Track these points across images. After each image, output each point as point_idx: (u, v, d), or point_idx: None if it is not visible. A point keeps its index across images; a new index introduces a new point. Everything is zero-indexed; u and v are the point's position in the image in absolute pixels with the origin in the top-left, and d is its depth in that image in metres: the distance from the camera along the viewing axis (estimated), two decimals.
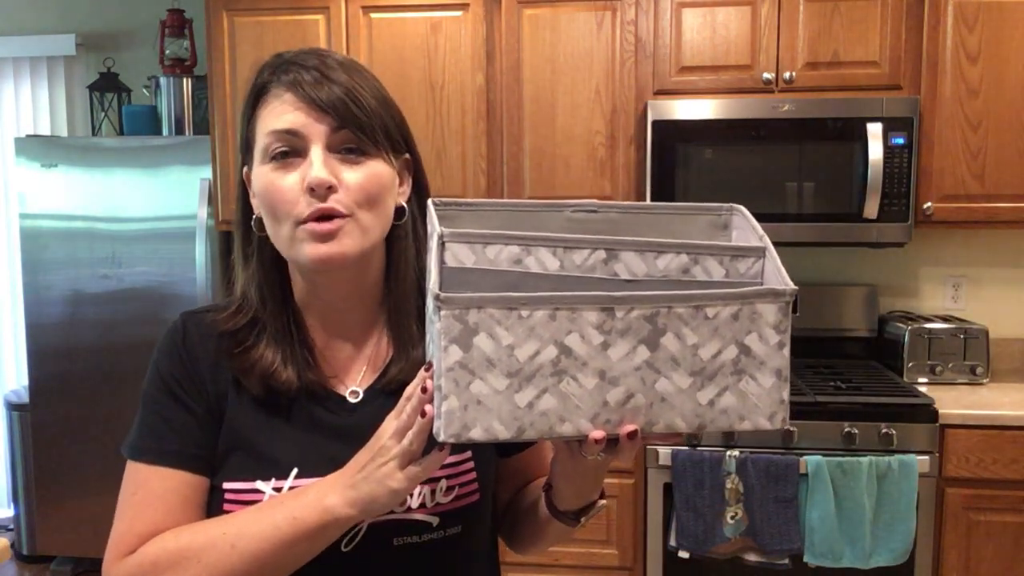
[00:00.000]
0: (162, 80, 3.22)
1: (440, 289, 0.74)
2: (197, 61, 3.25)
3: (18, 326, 3.60)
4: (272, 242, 0.93)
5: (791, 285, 0.77)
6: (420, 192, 0.98)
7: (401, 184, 0.95)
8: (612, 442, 0.77)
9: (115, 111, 3.38)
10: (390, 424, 0.81)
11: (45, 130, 3.58)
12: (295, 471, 0.90)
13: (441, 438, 0.74)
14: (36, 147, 3.17)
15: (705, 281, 0.80)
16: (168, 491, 0.91)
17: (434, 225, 0.79)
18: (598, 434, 0.75)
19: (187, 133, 3.24)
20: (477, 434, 0.74)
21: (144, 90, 3.40)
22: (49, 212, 3.17)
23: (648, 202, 0.90)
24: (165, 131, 3.23)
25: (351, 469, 0.83)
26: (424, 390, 0.77)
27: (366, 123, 0.89)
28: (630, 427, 0.75)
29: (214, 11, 2.85)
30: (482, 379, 0.73)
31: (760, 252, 0.82)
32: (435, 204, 0.83)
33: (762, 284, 0.80)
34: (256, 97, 0.91)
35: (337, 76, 0.89)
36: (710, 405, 0.76)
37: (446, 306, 0.72)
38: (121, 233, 3.13)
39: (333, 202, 0.86)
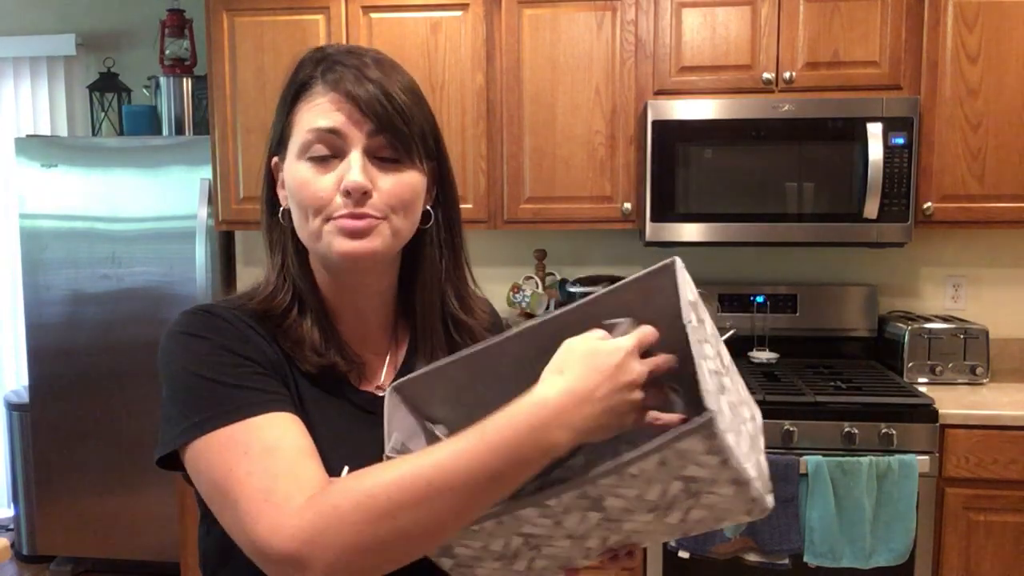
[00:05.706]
0: (162, 80, 3.22)
1: None
2: (197, 61, 3.25)
3: (18, 326, 3.60)
4: (298, 235, 0.93)
5: (710, 408, 0.68)
6: (447, 196, 0.99)
7: (430, 188, 0.96)
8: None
9: (115, 111, 3.38)
10: (629, 341, 0.75)
11: (45, 130, 3.58)
12: (346, 469, 0.86)
13: None
14: (36, 147, 3.17)
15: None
16: (288, 432, 0.81)
17: (389, 435, 0.84)
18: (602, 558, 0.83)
19: (187, 133, 3.24)
20: None
21: (144, 90, 3.41)
22: (49, 212, 3.17)
23: (596, 293, 0.87)
24: (165, 131, 3.24)
25: (579, 397, 0.73)
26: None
27: (404, 131, 0.90)
28: (626, 549, 0.82)
29: (214, 11, 2.85)
30: (480, 568, 0.81)
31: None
32: (392, 392, 0.87)
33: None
34: (298, 91, 0.92)
35: (377, 79, 0.89)
36: (683, 522, 0.77)
37: None
38: (121, 233, 3.13)
39: (368, 207, 0.88)
